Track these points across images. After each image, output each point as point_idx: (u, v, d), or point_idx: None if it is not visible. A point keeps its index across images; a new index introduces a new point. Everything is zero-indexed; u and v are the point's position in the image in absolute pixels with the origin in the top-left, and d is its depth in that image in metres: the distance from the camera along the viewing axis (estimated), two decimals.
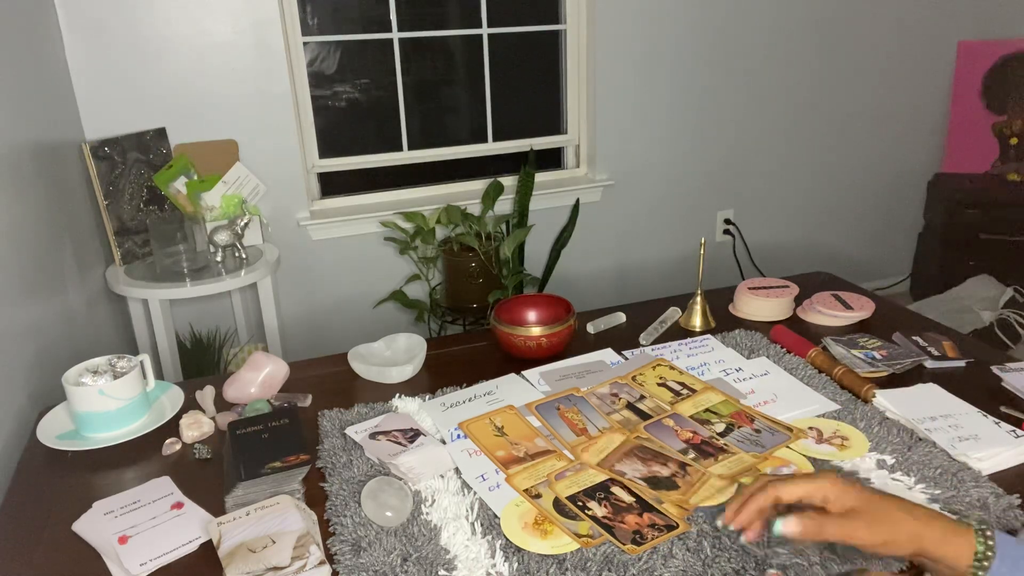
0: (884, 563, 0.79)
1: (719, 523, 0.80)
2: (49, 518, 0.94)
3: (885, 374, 1.18)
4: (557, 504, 0.90)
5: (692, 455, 0.99)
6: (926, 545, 0.71)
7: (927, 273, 3.34)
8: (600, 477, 0.95)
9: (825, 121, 3.14)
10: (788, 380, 1.18)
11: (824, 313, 1.40)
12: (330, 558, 0.84)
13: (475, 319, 2.50)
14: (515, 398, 1.15)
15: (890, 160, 3.33)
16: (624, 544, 0.83)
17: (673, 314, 1.46)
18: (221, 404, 1.20)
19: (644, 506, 0.89)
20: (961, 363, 1.22)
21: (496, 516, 0.89)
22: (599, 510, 0.88)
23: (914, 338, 1.28)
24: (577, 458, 1.00)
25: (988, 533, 0.71)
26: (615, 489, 0.92)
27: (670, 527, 0.85)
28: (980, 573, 0.70)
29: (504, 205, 2.72)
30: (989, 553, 0.70)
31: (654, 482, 0.93)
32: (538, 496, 0.92)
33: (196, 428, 1.10)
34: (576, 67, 2.79)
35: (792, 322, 1.42)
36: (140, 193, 2.14)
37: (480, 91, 2.74)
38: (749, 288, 1.47)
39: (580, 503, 0.90)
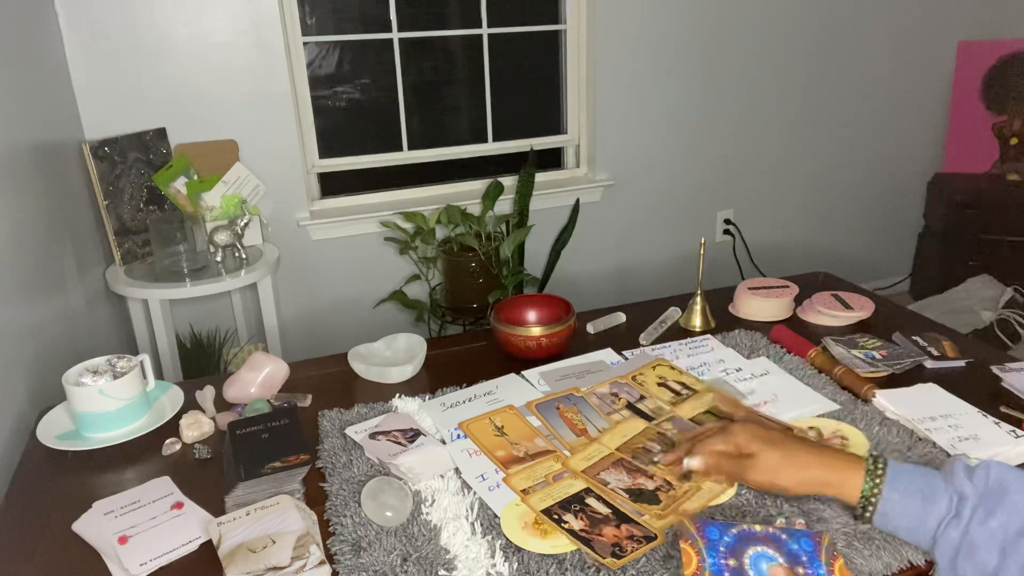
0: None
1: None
2: (49, 518, 0.94)
3: (885, 374, 1.18)
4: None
5: None
6: (821, 488, 0.80)
7: (927, 273, 3.34)
8: (575, 487, 0.93)
9: (825, 121, 3.14)
10: (788, 380, 1.18)
11: (824, 313, 1.40)
12: (330, 558, 0.84)
13: (475, 319, 2.50)
14: (515, 398, 1.15)
15: (890, 160, 3.32)
16: (604, 558, 0.80)
17: (673, 314, 1.46)
18: (221, 404, 1.20)
19: (621, 517, 0.87)
20: (961, 363, 1.22)
21: (496, 516, 0.89)
22: (575, 523, 0.86)
23: (914, 338, 1.28)
24: (564, 464, 0.98)
25: (879, 470, 0.77)
26: (590, 500, 0.90)
27: (649, 538, 0.83)
28: (868, 510, 0.77)
29: (504, 205, 2.72)
30: (876, 491, 0.76)
31: (636, 494, 0.91)
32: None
33: (196, 428, 1.10)
34: (576, 67, 2.79)
35: (792, 322, 1.42)
36: (140, 193, 2.14)
37: (480, 91, 2.73)
38: (749, 288, 1.47)
39: (556, 516, 0.88)
